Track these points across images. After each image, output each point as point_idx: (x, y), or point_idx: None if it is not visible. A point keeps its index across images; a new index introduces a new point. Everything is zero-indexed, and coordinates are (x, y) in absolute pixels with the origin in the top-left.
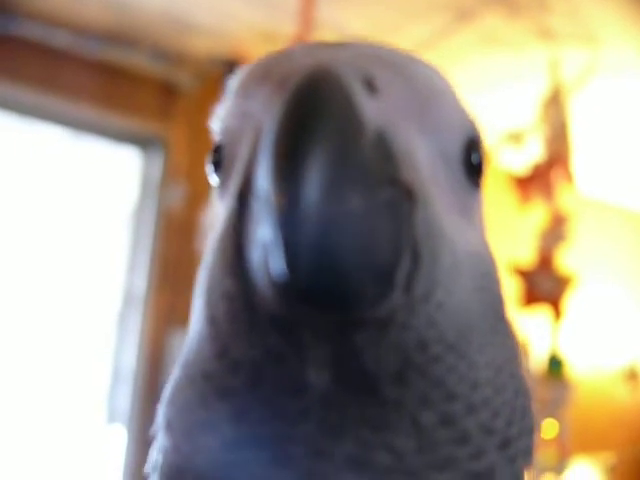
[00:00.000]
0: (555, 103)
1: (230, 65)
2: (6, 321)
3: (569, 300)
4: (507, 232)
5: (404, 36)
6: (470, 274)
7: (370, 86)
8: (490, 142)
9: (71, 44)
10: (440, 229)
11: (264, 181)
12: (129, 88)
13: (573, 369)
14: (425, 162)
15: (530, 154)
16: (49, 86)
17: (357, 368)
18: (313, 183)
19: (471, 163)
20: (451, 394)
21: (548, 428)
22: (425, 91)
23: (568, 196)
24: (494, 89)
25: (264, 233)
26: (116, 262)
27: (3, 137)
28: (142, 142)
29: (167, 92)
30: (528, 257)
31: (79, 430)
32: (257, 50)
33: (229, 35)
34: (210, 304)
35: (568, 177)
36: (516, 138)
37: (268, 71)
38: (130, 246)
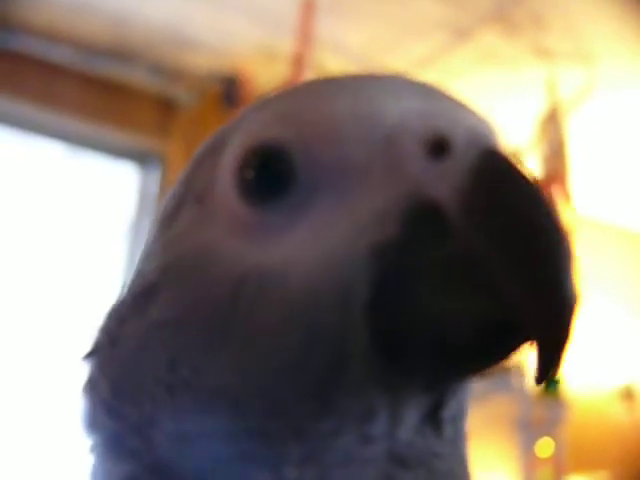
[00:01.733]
0: (552, 121)
1: (229, 82)
2: (3, 333)
3: None
4: None
5: (402, 53)
6: None
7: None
8: None
9: (69, 59)
10: None
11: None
12: (127, 103)
13: (569, 388)
14: None
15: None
16: (47, 101)
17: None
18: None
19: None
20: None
21: (544, 447)
22: None
23: (565, 215)
24: (491, 107)
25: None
26: (113, 277)
27: (0, 151)
28: (140, 157)
29: (165, 108)
30: None
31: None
32: (256, 67)
33: (228, 51)
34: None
35: (565, 196)
36: (513, 157)
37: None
38: (127, 261)
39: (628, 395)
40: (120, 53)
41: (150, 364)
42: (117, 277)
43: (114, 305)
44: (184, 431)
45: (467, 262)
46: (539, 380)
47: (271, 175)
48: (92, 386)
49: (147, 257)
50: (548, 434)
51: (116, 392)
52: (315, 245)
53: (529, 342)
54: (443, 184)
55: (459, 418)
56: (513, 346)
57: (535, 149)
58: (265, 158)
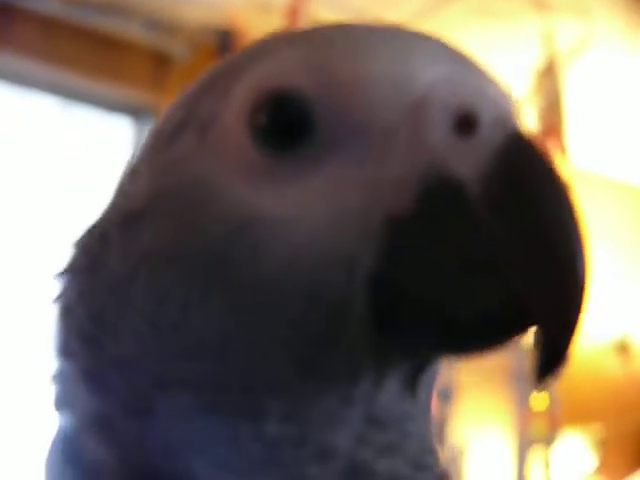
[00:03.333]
0: (549, 74)
1: (223, 35)
2: None
3: None
4: None
5: (398, 6)
6: None
7: None
8: None
9: (64, 12)
10: None
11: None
12: (122, 57)
13: None
14: None
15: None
16: (41, 55)
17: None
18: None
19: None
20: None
21: (539, 400)
22: None
23: (561, 168)
24: (487, 61)
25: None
26: None
27: None
28: (134, 112)
29: (160, 62)
30: None
31: None
32: (250, 20)
33: (223, 5)
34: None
35: (561, 149)
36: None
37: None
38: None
39: (623, 348)
40: (115, 7)
41: (136, 297)
42: None
43: (95, 222)
44: (164, 377)
45: (483, 247)
46: (541, 376)
47: (287, 122)
48: (67, 310)
49: (133, 175)
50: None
51: (95, 320)
52: (326, 203)
53: (532, 329)
54: (467, 162)
55: (432, 380)
56: (515, 332)
57: (531, 102)
58: (283, 104)
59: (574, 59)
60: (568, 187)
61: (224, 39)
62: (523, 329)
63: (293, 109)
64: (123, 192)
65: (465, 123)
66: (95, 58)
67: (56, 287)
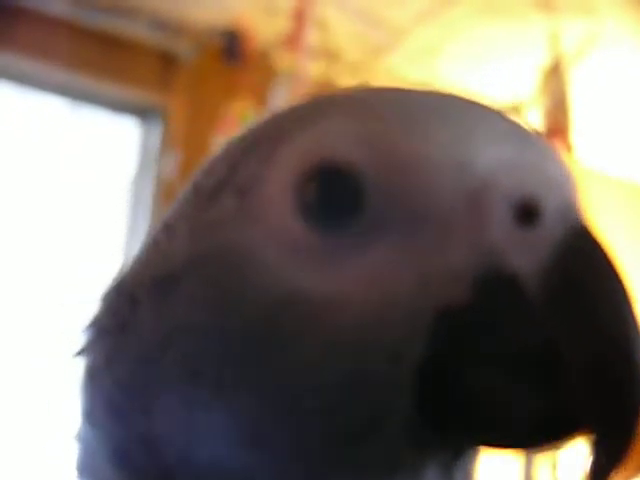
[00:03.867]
0: (555, 74)
1: (229, 36)
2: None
3: None
4: None
5: (404, 7)
6: None
7: None
8: None
9: (70, 13)
10: None
11: None
12: (128, 58)
13: None
14: None
15: (530, 126)
16: (47, 55)
17: None
18: None
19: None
20: None
21: None
22: None
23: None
24: (493, 60)
25: None
26: (114, 232)
27: (1, 106)
28: (140, 112)
29: (166, 62)
30: None
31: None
32: (257, 21)
33: (229, 6)
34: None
35: (568, 148)
36: (515, 110)
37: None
38: (128, 216)
39: None
40: (121, 7)
41: (168, 370)
42: (118, 233)
43: (123, 278)
44: (194, 458)
45: (539, 348)
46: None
47: (337, 198)
48: (93, 373)
49: (169, 230)
50: None
51: (123, 392)
52: (375, 285)
53: (580, 435)
54: (527, 255)
55: (470, 461)
56: (563, 434)
57: (537, 102)
58: (334, 178)
59: (580, 59)
60: (628, 284)
61: (230, 40)
62: (572, 432)
63: (345, 185)
64: (157, 249)
65: (527, 213)
66: (101, 59)
67: (80, 339)
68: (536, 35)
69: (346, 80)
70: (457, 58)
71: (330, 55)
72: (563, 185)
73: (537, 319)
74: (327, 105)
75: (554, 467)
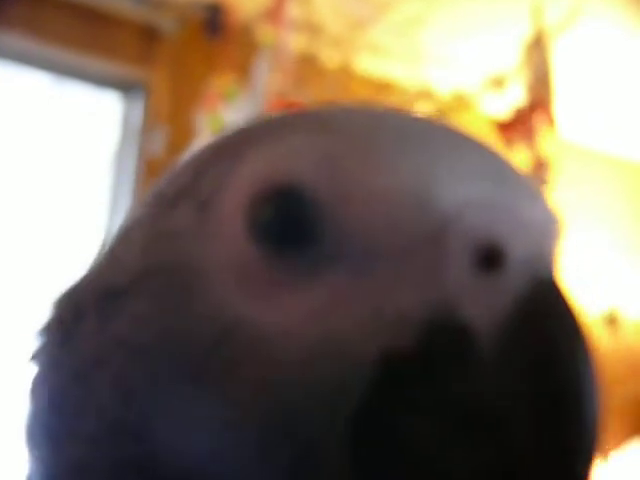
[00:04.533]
0: (538, 47)
1: (212, 10)
2: None
3: None
4: None
5: None
6: None
7: None
8: (471, 87)
9: None
10: None
11: None
12: (110, 32)
13: None
14: None
15: (512, 99)
16: (29, 29)
17: None
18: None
19: None
20: None
21: None
22: None
23: (550, 141)
24: (476, 33)
25: None
26: (97, 207)
27: None
28: (123, 86)
29: (149, 36)
30: None
31: None
32: None
33: None
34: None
35: (550, 122)
36: (498, 83)
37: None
38: (111, 190)
39: (612, 320)
40: None
41: (100, 391)
42: (100, 207)
43: (77, 285)
44: None
45: (485, 408)
46: None
47: (290, 222)
48: (34, 387)
49: (126, 236)
50: None
51: (52, 409)
52: (320, 321)
53: None
54: (483, 307)
55: None
56: None
57: (520, 75)
58: (288, 202)
59: (563, 31)
60: (591, 350)
61: (212, 14)
62: None
63: (299, 209)
64: (112, 256)
65: (489, 260)
66: (83, 33)
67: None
68: (519, 7)
69: (328, 53)
70: (440, 31)
71: (312, 29)
72: (536, 231)
73: (485, 376)
74: (291, 121)
75: None
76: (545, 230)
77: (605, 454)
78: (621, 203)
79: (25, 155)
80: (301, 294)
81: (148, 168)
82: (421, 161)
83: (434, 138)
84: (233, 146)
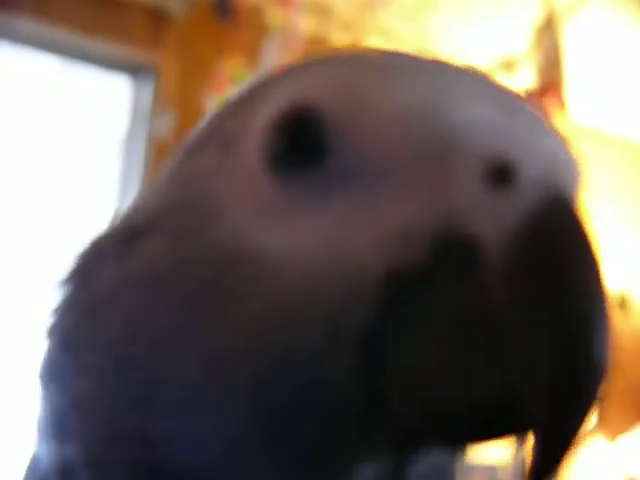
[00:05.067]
0: (549, 30)
1: None
2: None
3: None
4: None
5: None
6: None
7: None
8: (482, 70)
9: None
10: None
11: None
12: (120, 15)
13: None
14: None
15: (523, 82)
16: (38, 13)
17: None
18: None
19: None
20: None
21: None
22: None
23: (561, 124)
24: (487, 16)
25: None
26: (106, 191)
27: None
28: (132, 69)
29: (158, 19)
30: None
31: None
32: None
33: None
34: None
35: (561, 105)
36: (508, 66)
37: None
38: (120, 174)
39: (622, 303)
40: None
41: (110, 326)
42: (109, 190)
43: (101, 234)
44: (114, 434)
45: (491, 325)
46: (536, 478)
47: (303, 145)
48: (50, 328)
49: (150, 189)
50: None
51: (65, 345)
52: (326, 243)
53: (528, 430)
54: (492, 223)
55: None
56: (509, 428)
57: (531, 58)
58: (300, 126)
59: (574, 15)
60: (602, 268)
61: None
62: (520, 427)
63: (311, 131)
64: (136, 207)
65: (499, 176)
66: (93, 16)
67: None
68: None
69: (338, 36)
70: (450, 14)
71: (322, 11)
72: (550, 156)
73: (490, 298)
74: (312, 61)
75: None
76: (560, 157)
77: (614, 436)
78: (633, 186)
79: (35, 138)
80: (310, 217)
81: (157, 151)
82: (433, 84)
83: (449, 67)
84: (256, 90)
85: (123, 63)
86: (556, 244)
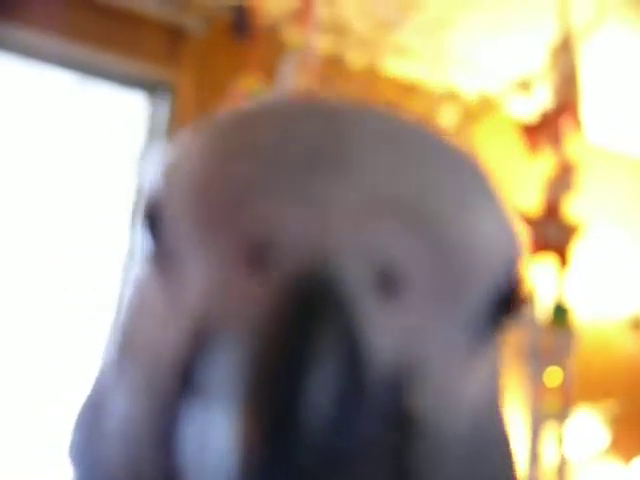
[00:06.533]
0: (565, 50)
1: (238, 10)
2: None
3: (575, 249)
4: (514, 180)
5: None
6: (460, 450)
7: (387, 285)
8: (498, 90)
9: None
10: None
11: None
12: (137, 32)
13: (578, 317)
14: (438, 339)
15: (539, 102)
16: (55, 29)
17: None
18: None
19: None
20: None
21: (552, 376)
22: (459, 252)
23: (576, 144)
24: (502, 35)
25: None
26: (121, 207)
27: (9, 80)
28: (149, 86)
29: (175, 36)
30: (535, 205)
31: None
32: None
33: None
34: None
35: (577, 125)
36: (525, 86)
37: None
38: (136, 190)
39: (637, 324)
40: None
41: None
42: (125, 206)
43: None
44: None
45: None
46: None
47: (154, 237)
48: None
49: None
50: (556, 363)
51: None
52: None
53: None
54: (248, 305)
55: None
56: None
57: (547, 78)
58: (151, 218)
59: (590, 35)
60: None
61: (239, 14)
62: None
63: (155, 222)
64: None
65: (257, 259)
66: (110, 33)
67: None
68: (546, 10)
69: (355, 55)
70: (466, 33)
71: (338, 30)
72: (315, 237)
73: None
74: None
75: (560, 442)
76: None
77: (628, 458)
78: None
79: (51, 154)
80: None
81: None
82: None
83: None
84: None
85: (140, 80)
86: (287, 327)
